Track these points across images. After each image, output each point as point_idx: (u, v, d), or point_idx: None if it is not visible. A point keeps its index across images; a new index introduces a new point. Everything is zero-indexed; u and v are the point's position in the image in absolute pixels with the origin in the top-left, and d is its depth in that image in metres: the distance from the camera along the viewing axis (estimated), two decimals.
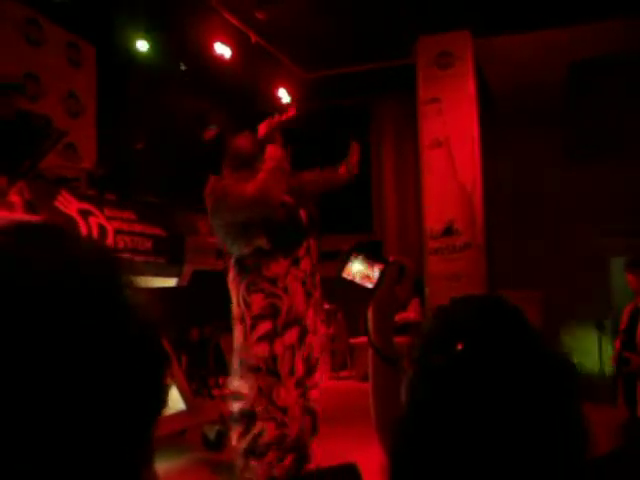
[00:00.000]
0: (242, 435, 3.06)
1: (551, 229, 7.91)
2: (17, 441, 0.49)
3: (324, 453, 3.31)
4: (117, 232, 4.18)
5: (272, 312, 3.05)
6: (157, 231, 4.58)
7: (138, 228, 4.40)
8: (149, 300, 0.62)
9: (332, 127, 8.89)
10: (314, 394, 3.12)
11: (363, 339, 4.42)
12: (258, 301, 3.06)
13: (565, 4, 6.50)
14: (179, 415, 4.56)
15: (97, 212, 4.08)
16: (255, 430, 3.03)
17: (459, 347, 0.79)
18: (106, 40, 6.64)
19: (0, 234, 0.56)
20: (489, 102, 8.03)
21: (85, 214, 3.98)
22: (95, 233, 3.98)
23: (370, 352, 1.23)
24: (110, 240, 4.12)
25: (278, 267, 3.08)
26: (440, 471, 0.76)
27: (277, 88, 8.33)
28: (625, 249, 6.45)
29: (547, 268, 7.70)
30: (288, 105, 3.39)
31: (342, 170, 3.58)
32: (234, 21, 7.10)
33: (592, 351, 6.89)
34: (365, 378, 3.90)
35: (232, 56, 7.27)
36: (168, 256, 4.64)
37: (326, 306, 8.00)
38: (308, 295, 3.15)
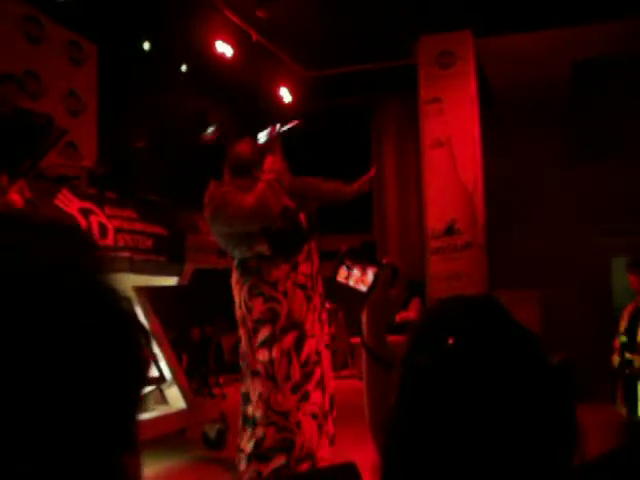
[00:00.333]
0: (249, 438, 3.07)
1: (552, 229, 7.89)
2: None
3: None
4: (118, 230, 4.18)
5: (271, 317, 3.06)
6: (158, 229, 4.58)
7: (139, 226, 4.40)
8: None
9: (333, 127, 8.89)
10: (316, 397, 3.10)
11: None
12: (258, 305, 3.07)
13: (566, 4, 6.49)
14: (180, 414, 4.56)
15: (98, 211, 4.08)
16: (257, 435, 3.03)
17: (450, 342, 0.79)
18: (108, 39, 6.64)
19: None
20: (490, 102, 8.02)
21: (86, 213, 3.98)
22: (96, 231, 3.98)
23: (364, 354, 1.24)
24: (111, 238, 4.12)
25: (279, 271, 3.09)
26: (429, 471, 0.76)
27: (278, 87, 8.33)
28: (626, 249, 6.44)
29: (548, 268, 7.69)
30: (292, 115, 3.37)
31: (354, 186, 3.58)
32: (235, 20, 7.10)
33: (591, 350, 6.88)
34: None
35: (233, 55, 7.27)
36: (169, 255, 4.64)
37: (327, 305, 8.01)
38: (308, 299, 3.15)
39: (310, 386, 3.07)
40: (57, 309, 0.53)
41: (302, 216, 3.22)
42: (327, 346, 3.31)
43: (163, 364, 4.59)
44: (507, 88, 7.98)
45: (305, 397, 3.05)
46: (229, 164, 3.21)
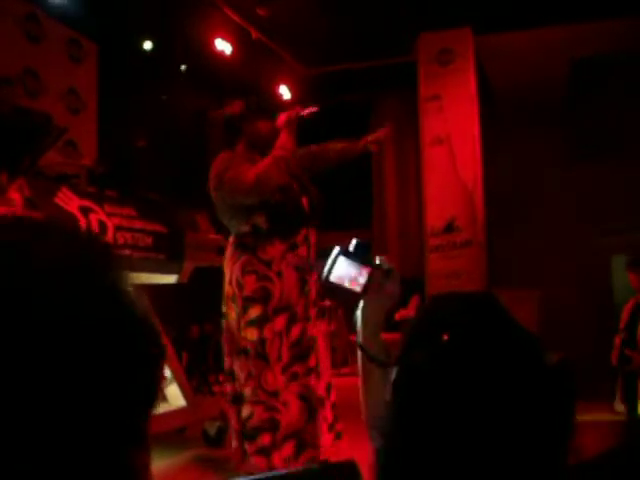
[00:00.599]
0: (237, 416, 3.08)
1: (551, 227, 7.89)
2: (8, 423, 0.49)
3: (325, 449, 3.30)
4: (117, 228, 4.18)
5: (263, 295, 3.05)
6: (157, 227, 4.57)
7: (138, 224, 4.40)
8: (147, 296, 0.62)
9: (332, 124, 8.87)
10: (311, 381, 3.10)
11: None
12: (251, 283, 3.06)
13: (566, 2, 6.48)
14: (179, 412, 4.56)
15: (97, 209, 4.08)
16: (244, 413, 3.04)
17: (445, 338, 0.79)
18: (107, 37, 6.63)
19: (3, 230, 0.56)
20: (490, 99, 8.02)
21: (85, 211, 3.98)
22: (95, 229, 3.97)
23: (359, 353, 1.24)
24: (110, 236, 4.11)
25: (274, 250, 3.08)
26: (425, 468, 0.76)
27: (278, 85, 8.32)
28: (626, 247, 6.44)
29: (547, 266, 7.69)
30: (308, 103, 3.42)
31: (362, 142, 3.56)
32: (235, 17, 7.09)
33: (591, 349, 6.88)
34: None
35: (233, 52, 7.26)
36: (168, 252, 4.63)
37: (327, 303, 8.00)
38: (302, 283, 3.15)
39: (300, 368, 3.06)
40: (73, 306, 0.53)
41: (305, 200, 3.23)
42: (327, 336, 3.32)
43: None
44: (506, 86, 7.97)
45: (294, 377, 3.04)
46: (246, 139, 3.25)
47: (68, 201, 3.86)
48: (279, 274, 3.08)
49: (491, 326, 0.81)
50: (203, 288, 5.63)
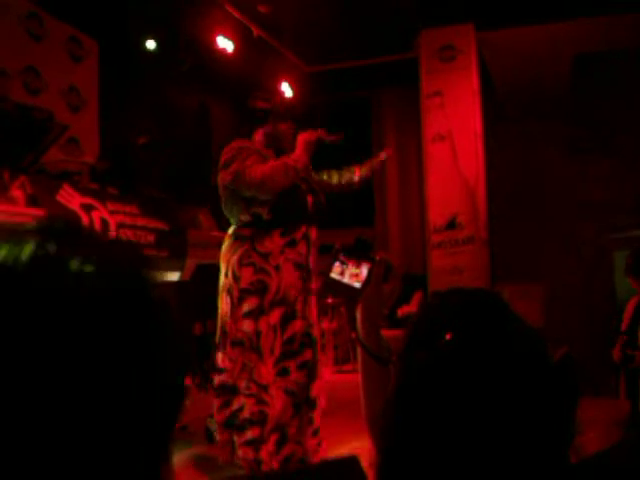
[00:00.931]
0: (220, 408, 3.09)
1: (554, 223, 7.88)
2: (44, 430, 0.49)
3: (327, 446, 3.31)
4: (119, 226, 4.18)
5: (260, 288, 3.06)
6: (160, 225, 4.58)
7: (141, 222, 4.40)
8: (170, 298, 0.62)
9: (333, 120, 8.86)
10: (298, 377, 3.10)
11: None
12: (248, 275, 3.07)
13: None
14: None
15: (99, 206, 4.08)
16: (235, 405, 3.05)
17: (447, 337, 0.79)
18: (109, 34, 6.63)
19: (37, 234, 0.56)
20: (492, 96, 8.00)
21: (87, 208, 3.98)
22: (98, 227, 3.98)
23: (359, 350, 1.24)
24: (112, 234, 4.12)
25: (272, 244, 3.09)
26: (426, 467, 0.76)
27: (279, 82, 8.30)
28: (629, 243, 6.42)
29: (550, 262, 7.69)
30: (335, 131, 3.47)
31: (356, 173, 3.59)
32: (236, 14, 7.08)
33: (594, 344, 6.88)
34: None
35: (234, 50, 7.25)
36: (170, 250, 4.64)
37: (329, 300, 8.01)
38: (303, 280, 3.15)
39: (291, 364, 3.06)
40: (108, 315, 0.53)
41: (309, 198, 3.24)
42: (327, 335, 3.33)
43: None
44: (509, 82, 7.96)
45: (284, 372, 3.05)
46: (266, 131, 3.27)
47: (70, 198, 3.87)
48: (277, 268, 3.08)
49: (494, 324, 0.81)
50: (205, 285, 5.63)
